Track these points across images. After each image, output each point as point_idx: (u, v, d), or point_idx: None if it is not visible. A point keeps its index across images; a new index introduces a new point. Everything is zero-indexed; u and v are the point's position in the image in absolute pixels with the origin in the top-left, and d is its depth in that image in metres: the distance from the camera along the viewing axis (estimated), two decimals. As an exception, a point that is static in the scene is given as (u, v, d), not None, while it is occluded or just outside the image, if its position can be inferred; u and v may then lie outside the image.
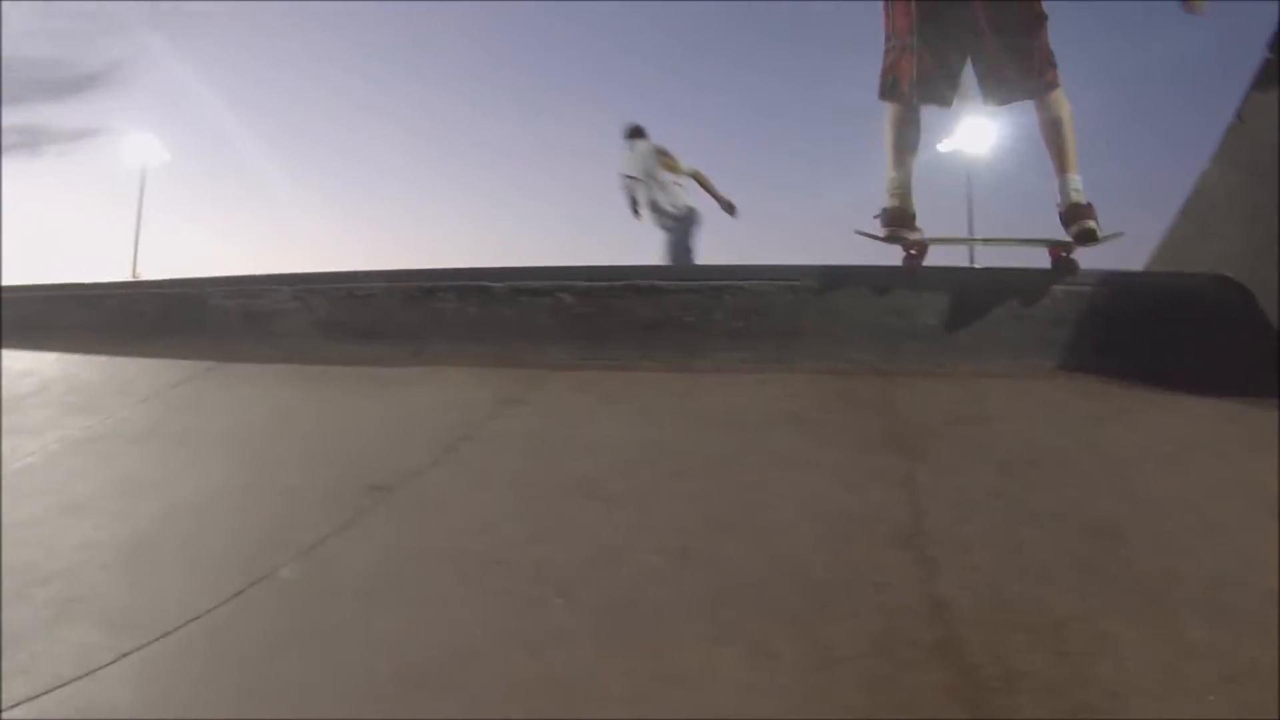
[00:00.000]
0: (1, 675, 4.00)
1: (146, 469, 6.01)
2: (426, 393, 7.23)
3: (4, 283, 12.01)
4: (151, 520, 5.16)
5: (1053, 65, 7.22)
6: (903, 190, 7.68)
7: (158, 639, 3.99)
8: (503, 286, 8.35)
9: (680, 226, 14.47)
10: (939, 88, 7.47)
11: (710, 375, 7.11)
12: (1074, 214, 6.96)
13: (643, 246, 15.04)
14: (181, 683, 3.75)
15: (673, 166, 14.70)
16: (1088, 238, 6.88)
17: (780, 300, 7.50)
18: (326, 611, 4.13)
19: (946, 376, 6.76)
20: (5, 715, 4.05)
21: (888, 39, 7.64)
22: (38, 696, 3.75)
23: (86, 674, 3.80)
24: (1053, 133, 7.27)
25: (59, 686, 3.78)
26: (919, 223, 7.69)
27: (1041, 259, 7.29)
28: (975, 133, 49.38)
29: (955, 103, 7.63)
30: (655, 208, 14.59)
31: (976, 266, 8.46)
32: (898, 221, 7.63)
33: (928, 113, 7.60)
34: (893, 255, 7.84)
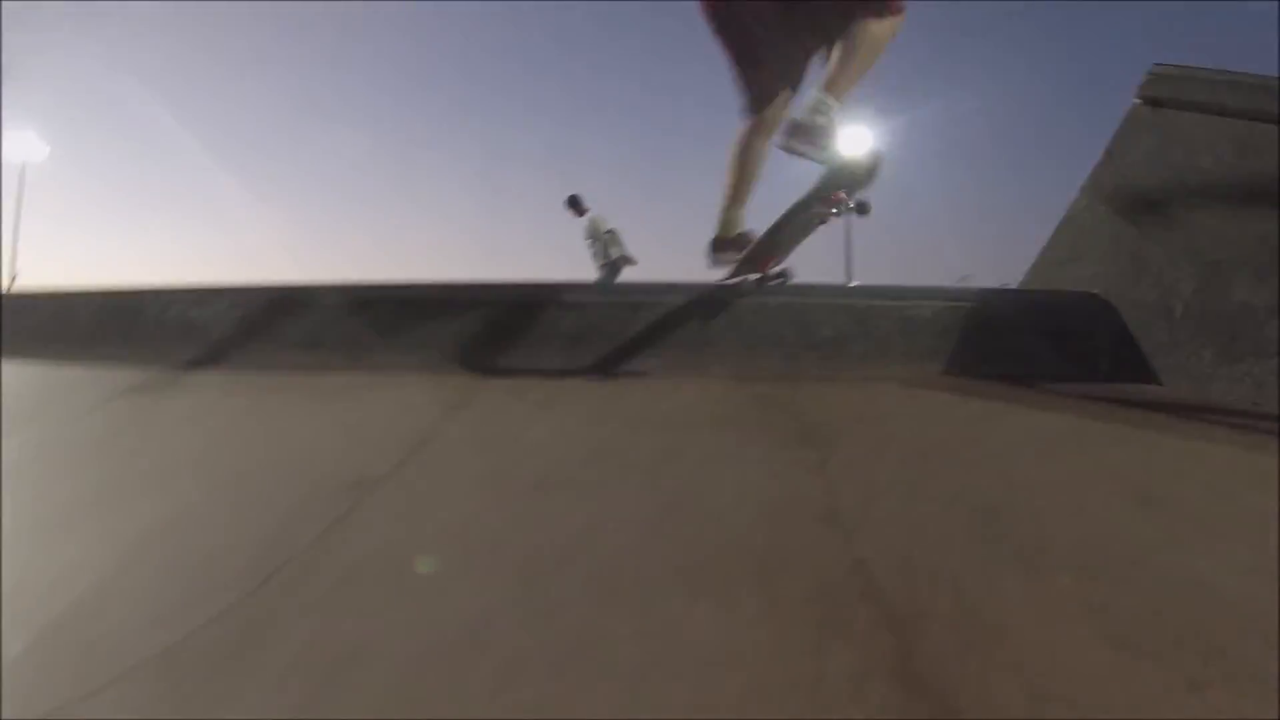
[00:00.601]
0: (1, 676, 4.60)
1: (105, 482, 6.59)
2: (376, 399, 7.99)
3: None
4: (135, 535, 5.79)
5: None
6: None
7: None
8: (435, 298, 9.23)
9: (610, 268, 23.33)
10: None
11: (633, 381, 8.07)
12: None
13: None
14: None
15: (597, 231, 23.90)
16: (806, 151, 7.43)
17: (693, 313, 8.49)
18: (344, 601, 4.88)
19: (844, 382, 7.81)
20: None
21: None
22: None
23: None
24: (854, 52, 7.18)
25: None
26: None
27: (924, 276, 8.23)
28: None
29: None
30: (598, 256, 23.64)
31: (867, 284, 9.44)
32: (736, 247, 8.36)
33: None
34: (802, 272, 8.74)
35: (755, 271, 8.36)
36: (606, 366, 8.34)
